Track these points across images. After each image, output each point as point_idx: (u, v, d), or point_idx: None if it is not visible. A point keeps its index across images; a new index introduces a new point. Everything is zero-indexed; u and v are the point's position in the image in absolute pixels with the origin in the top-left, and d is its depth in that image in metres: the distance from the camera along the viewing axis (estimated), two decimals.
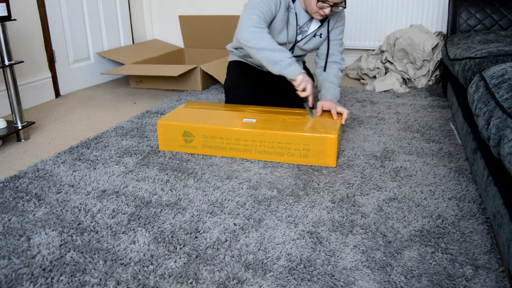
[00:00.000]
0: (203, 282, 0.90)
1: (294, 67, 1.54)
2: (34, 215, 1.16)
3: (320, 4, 1.58)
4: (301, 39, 1.75)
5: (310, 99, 1.58)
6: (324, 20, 1.72)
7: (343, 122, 1.57)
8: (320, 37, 1.76)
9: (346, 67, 2.93)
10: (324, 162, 1.46)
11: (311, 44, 1.78)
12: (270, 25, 1.68)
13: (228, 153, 1.53)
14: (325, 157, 1.45)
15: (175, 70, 2.43)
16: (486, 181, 1.08)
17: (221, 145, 1.53)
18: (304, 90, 1.56)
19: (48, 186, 1.33)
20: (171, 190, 1.30)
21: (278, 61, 1.54)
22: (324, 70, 1.78)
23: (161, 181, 1.36)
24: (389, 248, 1.01)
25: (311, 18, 1.73)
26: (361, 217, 1.14)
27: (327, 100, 1.62)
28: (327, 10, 1.59)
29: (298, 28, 1.72)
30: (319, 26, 1.73)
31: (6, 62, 1.71)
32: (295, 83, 1.56)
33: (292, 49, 1.79)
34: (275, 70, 1.56)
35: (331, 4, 1.58)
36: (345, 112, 1.58)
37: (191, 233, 1.07)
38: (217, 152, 1.55)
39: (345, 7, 1.64)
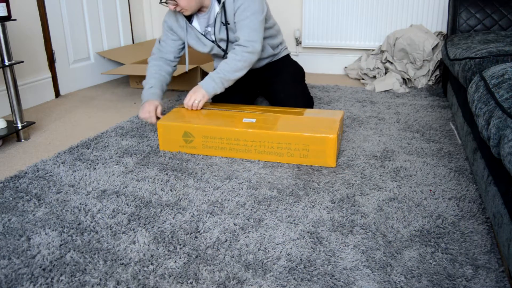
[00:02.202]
0: (203, 282, 0.90)
1: (144, 95, 1.75)
2: (34, 215, 1.16)
3: (163, 2, 1.63)
4: (215, 34, 1.74)
5: (152, 120, 1.71)
6: (219, 2, 1.67)
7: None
8: (226, 24, 1.71)
9: (346, 67, 2.93)
10: (324, 162, 1.46)
11: (224, 33, 1.73)
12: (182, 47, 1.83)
13: (228, 153, 1.53)
14: (325, 157, 1.45)
15: None
16: (486, 181, 1.08)
17: (221, 146, 1.53)
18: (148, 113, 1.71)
19: (48, 186, 1.33)
20: (171, 190, 1.30)
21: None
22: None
23: (161, 181, 1.36)
24: (389, 248, 1.01)
25: (204, 17, 1.73)
26: (361, 217, 1.14)
27: (197, 86, 1.68)
28: (171, 6, 1.62)
29: (203, 32, 1.77)
30: (219, 13, 1.67)
31: (6, 62, 1.71)
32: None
33: (221, 48, 1.78)
34: None
35: (164, 0, 1.63)
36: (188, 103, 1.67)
37: (191, 233, 1.07)
38: (217, 153, 1.55)
39: None
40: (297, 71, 1.97)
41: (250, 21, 1.63)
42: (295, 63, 2.00)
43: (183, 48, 1.84)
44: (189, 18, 1.75)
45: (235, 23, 1.68)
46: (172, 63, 1.84)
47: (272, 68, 1.92)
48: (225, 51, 1.79)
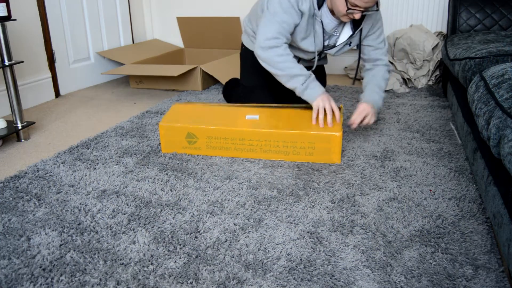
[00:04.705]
0: (203, 282, 0.90)
1: (313, 87, 1.52)
2: (34, 215, 1.16)
3: (350, 10, 1.45)
4: (331, 48, 1.66)
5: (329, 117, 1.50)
6: (357, 27, 1.60)
7: (353, 123, 1.56)
8: (350, 45, 1.66)
9: (346, 67, 2.93)
10: (329, 159, 1.47)
11: (341, 52, 1.70)
12: (292, 33, 1.60)
13: (233, 153, 1.53)
14: (330, 154, 1.46)
15: (175, 70, 2.44)
16: (486, 181, 1.08)
17: (225, 146, 1.52)
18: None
19: (48, 186, 1.33)
20: (171, 190, 1.30)
21: (293, 76, 1.53)
22: (369, 71, 1.71)
23: (161, 181, 1.36)
24: (389, 248, 1.01)
25: (341, 23, 1.60)
26: (361, 217, 1.14)
27: (364, 104, 1.57)
28: (357, 15, 1.46)
29: (324, 35, 1.61)
30: (351, 35, 1.62)
31: (6, 62, 1.71)
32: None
33: (319, 55, 1.71)
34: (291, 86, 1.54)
35: (362, 10, 1.44)
36: (370, 120, 1.57)
37: (191, 233, 1.07)
38: (221, 153, 1.54)
39: (377, 10, 1.48)
40: (322, 79, 1.98)
41: (384, 42, 1.67)
42: (324, 71, 2.00)
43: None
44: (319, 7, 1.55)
45: (363, 45, 1.66)
46: None
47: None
48: (319, 58, 1.72)
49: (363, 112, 1.55)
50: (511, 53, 1.40)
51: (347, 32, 1.63)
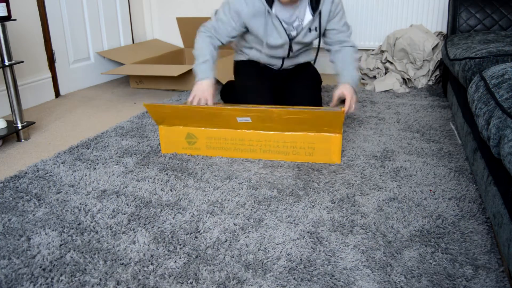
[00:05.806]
0: (203, 282, 0.90)
1: (200, 70, 1.68)
2: (34, 215, 1.16)
3: None
4: (297, 35, 1.70)
5: (209, 102, 1.60)
6: (315, 11, 1.65)
7: (346, 109, 1.57)
8: (316, 30, 1.71)
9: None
10: (329, 159, 1.48)
11: (309, 38, 1.73)
12: (248, 35, 1.73)
13: (233, 153, 1.53)
14: (330, 155, 1.47)
15: (175, 70, 2.43)
16: (486, 181, 1.08)
17: (225, 146, 1.53)
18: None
19: (48, 186, 1.33)
20: (171, 190, 1.30)
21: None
22: (337, 53, 1.76)
23: (161, 181, 1.36)
24: (389, 248, 1.01)
25: (296, 10, 1.66)
26: (361, 217, 1.14)
27: (346, 85, 1.61)
28: None
29: (286, 27, 1.67)
30: (312, 20, 1.67)
31: (6, 62, 1.71)
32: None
33: (290, 48, 1.75)
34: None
35: None
36: (352, 105, 1.60)
37: (191, 233, 1.07)
38: (221, 153, 1.54)
39: None
40: (317, 77, 1.98)
41: (346, 25, 1.77)
42: (316, 69, 2.01)
43: (236, 36, 1.73)
44: (270, 4, 1.62)
45: (320, 30, 1.70)
46: (220, 45, 1.76)
47: (295, 69, 1.93)
48: (291, 50, 1.76)
49: (353, 101, 1.59)
50: (511, 53, 1.40)
51: (308, 17, 1.68)
